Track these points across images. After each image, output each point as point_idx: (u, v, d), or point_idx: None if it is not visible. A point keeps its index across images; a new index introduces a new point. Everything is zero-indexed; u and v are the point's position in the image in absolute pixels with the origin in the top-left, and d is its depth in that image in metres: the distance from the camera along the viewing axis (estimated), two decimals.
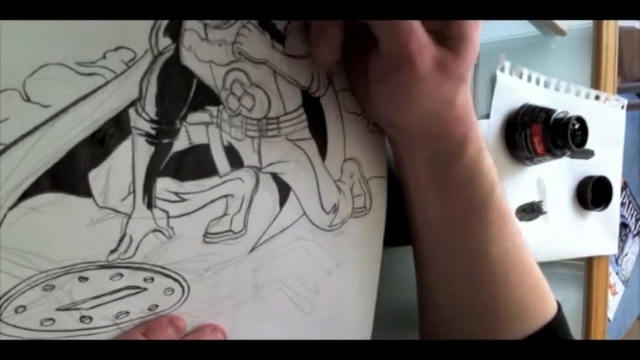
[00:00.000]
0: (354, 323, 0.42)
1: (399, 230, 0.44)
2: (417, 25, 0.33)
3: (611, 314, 2.26)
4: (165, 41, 0.32)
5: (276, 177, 0.37)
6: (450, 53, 0.34)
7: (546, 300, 0.44)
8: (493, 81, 0.64)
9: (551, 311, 0.44)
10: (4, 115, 0.27)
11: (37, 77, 0.28)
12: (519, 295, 0.42)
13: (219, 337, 0.34)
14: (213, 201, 0.34)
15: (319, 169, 0.39)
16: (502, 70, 0.64)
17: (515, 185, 0.67)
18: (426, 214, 0.43)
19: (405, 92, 0.36)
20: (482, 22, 0.35)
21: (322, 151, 0.39)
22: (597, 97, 0.77)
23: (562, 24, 0.75)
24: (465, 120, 0.39)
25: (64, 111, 0.29)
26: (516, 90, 0.66)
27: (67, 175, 0.29)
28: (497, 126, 0.65)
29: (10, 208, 0.28)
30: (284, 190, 0.37)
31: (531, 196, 0.68)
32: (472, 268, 0.42)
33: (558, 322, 0.44)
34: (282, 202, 0.37)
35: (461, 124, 0.38)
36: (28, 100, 0.28)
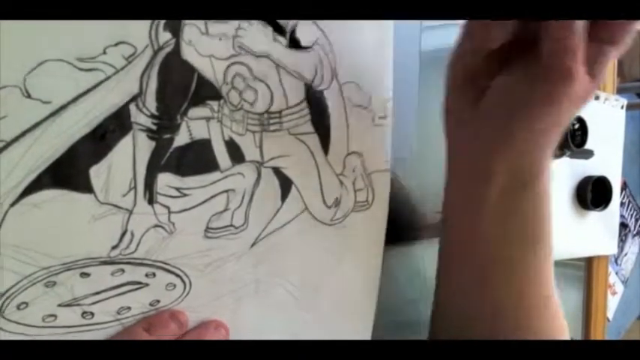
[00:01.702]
0: (355, 319, 0.42)
1: (398, 228, 0.44)
2: (581, 48, 0.33)
3: (610, 314, 2.26)
4: (165, 36, 0.32)
5: (277, 171, 0.37)
6: (590, 82, 0.35)
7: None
8: None
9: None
10: (5, 111, 0.27)
11: (37, 73, 0.28)
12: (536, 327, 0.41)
13: (223, 333, 0.35)
14: (214, 196, 0.34)
15: (321, 163, 0.39)
16: None
17: None
18: (480, 236, 0.40)
19: (548, 104, 0.35)
20: (614, 58, 0.36)
21: (325, 145, 0.39)
22: (597, 97, 0.77)
23: None
24: (553, 144, 0.38)
25: (64, 107, 0.29)
26: None
27: (68, 172, 0.29)
28: None
29: (12, 205, 0.28)
30: (286, 185, 0.37)
31: None
32: (505, 303, 0.40)
33: None
34: (284, 196, 0.37)
35: (548, 146, 0.37)
36: (29, 96, 0.28)
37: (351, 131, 0.40)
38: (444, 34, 0.51)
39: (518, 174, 0.38)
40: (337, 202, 0.40)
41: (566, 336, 0.44)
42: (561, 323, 0.43)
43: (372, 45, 0.40)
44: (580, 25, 0.33)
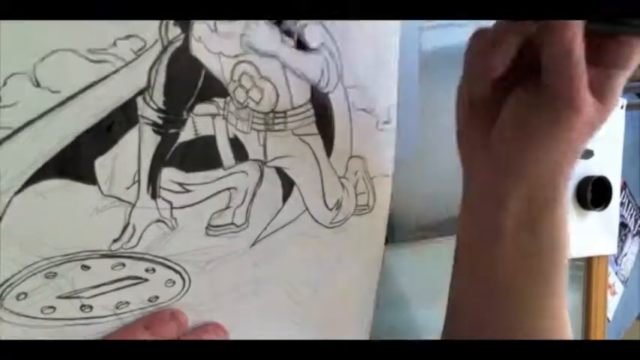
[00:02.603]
0: (353, 321, 0.42)
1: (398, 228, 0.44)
2: (584, 74, 0.33)
3: (610, 314, 2.25)
4: (175, 31, 0.32)
5: (280, 171, 0.37)
6: (600, 108, 0.34)
7: None
8: None
9: None
10: (14, 99, 0.27)
11: (47, 63, 0.28)
12: None
13: (221, 337, 0.34)
14: (216, 193, 0.34)
15: (324, 165, 0.39)
16: None
17: None
18: (495, 266, 0.39)
19: (546, 137, 0.35)
20: (623, 81, 0.35)
21: (328, 147, 0.39)
22: None
23: None
24: (568, 173, 0.37)
25: (72, 97, 0.29)
26: None
27: (74, 162, 0.29)
28: None
29: (16, 193, 0.27)
30: (287, 185, 0.37)
31: None
32: (516, 333, 0.39)
33: None
34: (286, 197, 0.37)
35: (563, 176, 0.36)
36: (38, 85, 0.28)
37: (355, 135, 0.40)
38: (444, 34, 0.52)
39: (533, 204, 0.37)
40: (338, 205, 0.40)
41: None
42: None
43: (379, 50, 0.40)
44: (580, 51, 0.32)
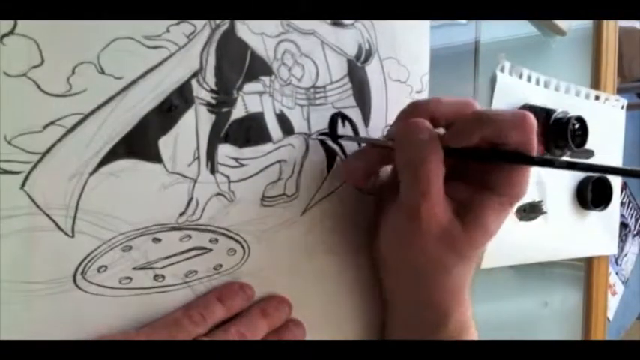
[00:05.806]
0: None
1: None
2: (436, 190, 0.33)
3: (610, 314, 2.25)
4: None
5: (323, 143, 0.39)
6: (460, 229, 0.35)
7: None
8: (493, 81, 0.64)
9: None
10: (82, 86, 0.29)
11: (109, 50, 0.30)
12: None
13: (286, 311, 0.36)
14: (268, 166, 0.36)
15: (363, 136, 0.41)
16: (502, 70, 0.64)
17: None
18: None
19: (406, 247, 0.36)
20: (505, 215, 0.36)
21: (366, 118, 0.41)
22: (597, 97, 0.77)
23: (562, 24, 0.74)
24: (456, 294, 0.38)
25: (134, 82, 0.31)
26: (516, 90, 0.66)
27: (140, 143, 0.31)
28: None
29: (91, 174, 0.29)
30: (331, 156, 0.39)
31: (531, 196, 0.68)
32: None
33: None
34: (329, 167, 0.39)
35: (450, 297, 0.38)
36: (103, 72, 0.30)
37: (390, 104, 0.42)
38: (448, 33, 0.53)
39: (426, 318, 0.38)
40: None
41: None
42: None
43: (411, 21, 0.42)
44: (434, 164, 0.33)
